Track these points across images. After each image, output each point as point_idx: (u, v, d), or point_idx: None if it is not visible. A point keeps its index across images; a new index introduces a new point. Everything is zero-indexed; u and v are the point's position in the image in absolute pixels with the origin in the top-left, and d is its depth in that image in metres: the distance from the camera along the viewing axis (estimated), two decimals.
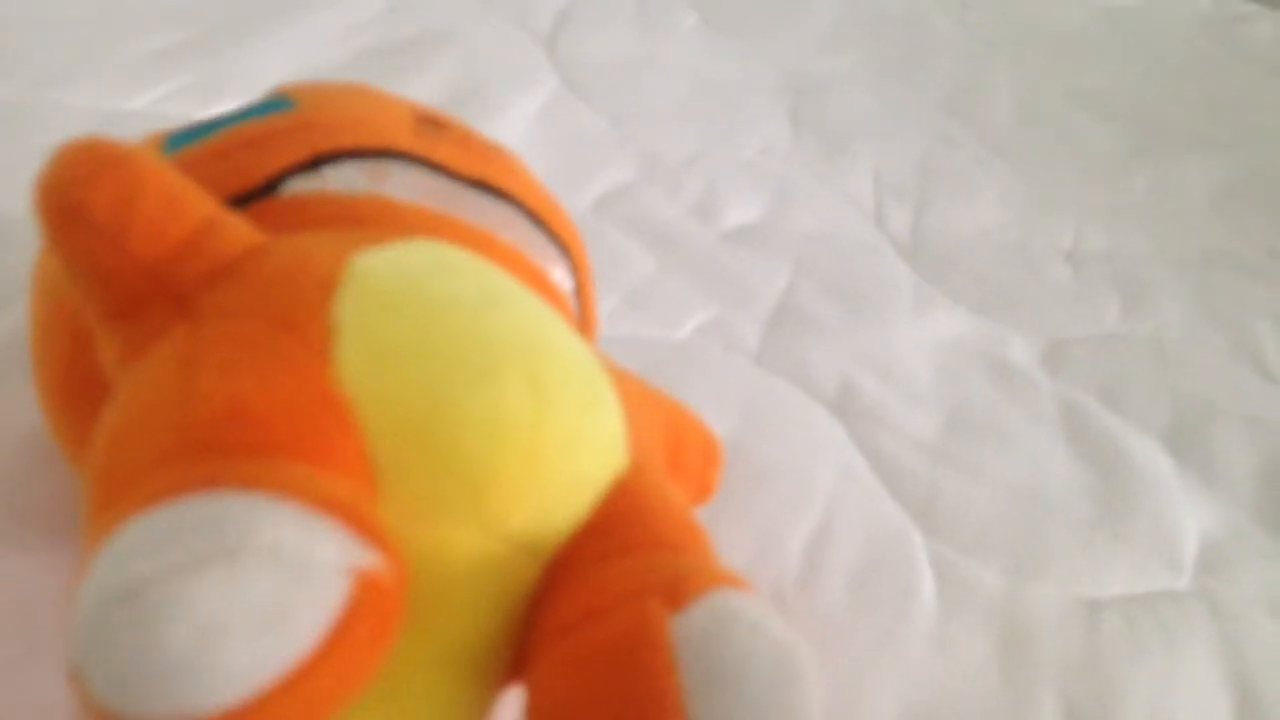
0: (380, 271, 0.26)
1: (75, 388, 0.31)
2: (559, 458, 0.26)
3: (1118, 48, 1.04)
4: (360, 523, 0.20)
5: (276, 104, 0.35)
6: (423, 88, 0.68)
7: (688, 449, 0.39)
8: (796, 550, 0.43)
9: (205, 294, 0.25)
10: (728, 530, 0.40)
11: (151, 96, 0.59)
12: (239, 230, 0.27)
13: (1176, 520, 0.51)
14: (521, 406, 0.25)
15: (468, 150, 0.36)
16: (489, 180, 0.35)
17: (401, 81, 0.68)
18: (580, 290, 0.39)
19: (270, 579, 0.18)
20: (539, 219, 0.36)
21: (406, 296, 0.26)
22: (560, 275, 0.36)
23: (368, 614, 0.19)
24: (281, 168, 0.31)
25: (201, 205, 0.26)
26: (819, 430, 0.50)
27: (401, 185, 0.32)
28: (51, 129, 0.55)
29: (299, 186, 0.31)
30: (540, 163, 0.65)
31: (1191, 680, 0.42)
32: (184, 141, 0.34)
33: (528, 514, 0.25)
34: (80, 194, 0.25)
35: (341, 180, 0.32)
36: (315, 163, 0.32)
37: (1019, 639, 0.42)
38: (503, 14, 0.80)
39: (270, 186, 0.31)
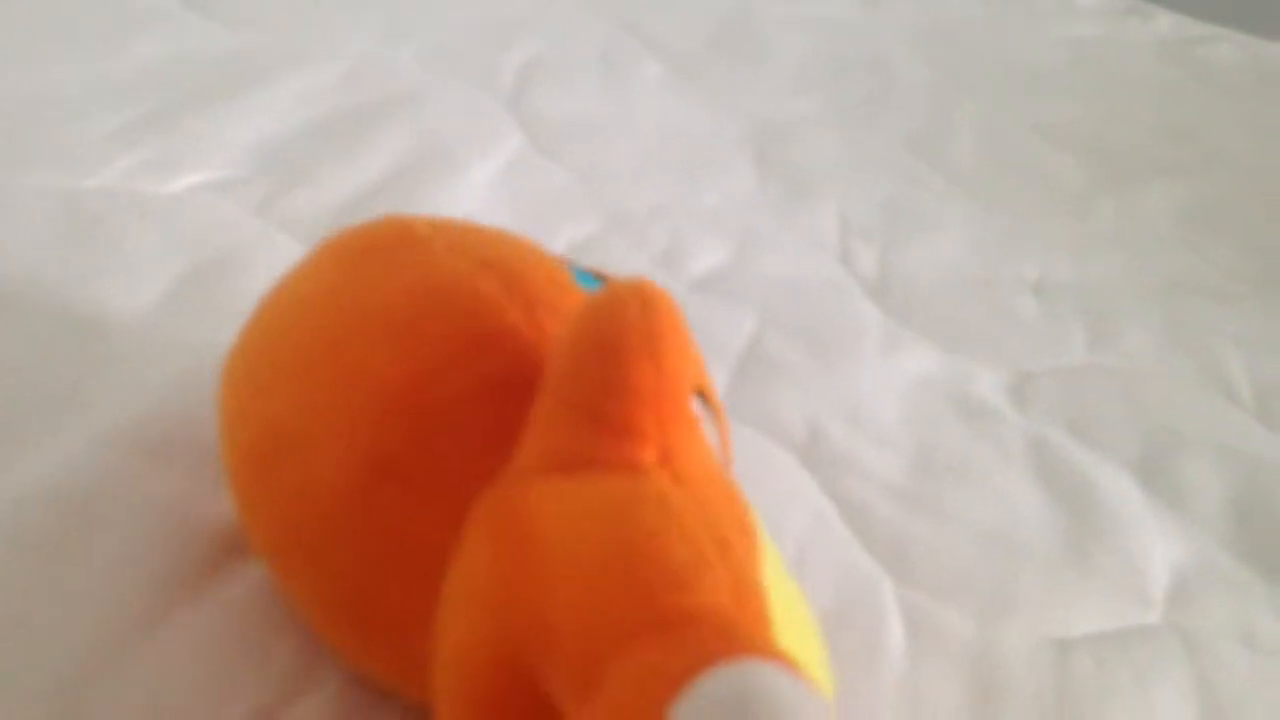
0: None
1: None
2: None
3: (1080, 78, 1.06)
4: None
5: (594, 280, 0.38)
6: (383, 152, 0.68)
7: None
8: None
9: (688, 465, 0.29)
10: None
11: (112, 173, 0.60)
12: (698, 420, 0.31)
13: (1147, 553, 0.51)
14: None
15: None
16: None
17: (363, 146, 0.69)
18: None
19: None
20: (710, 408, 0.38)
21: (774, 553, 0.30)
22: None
23: None
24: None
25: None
26: (788, 478, 0.50)
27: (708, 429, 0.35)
28: (13, 210, 0.55)
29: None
30: (506, 220, 0.66)
31: (1165, 716, 0.42)
32: (588, 282, 0.37)
33: None
34: (657, 343, 0.29)
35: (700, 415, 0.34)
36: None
37: (990, 684, 0.42)
38: (464, 76, 0.81)
39: None
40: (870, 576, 0.46)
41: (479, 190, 0.68)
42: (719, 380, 0.56)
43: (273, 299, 0.38)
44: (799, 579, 0.45)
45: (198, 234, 0.57)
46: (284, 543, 0.34)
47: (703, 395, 0.34)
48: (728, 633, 0.23)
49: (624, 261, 0.64)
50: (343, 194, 0.64)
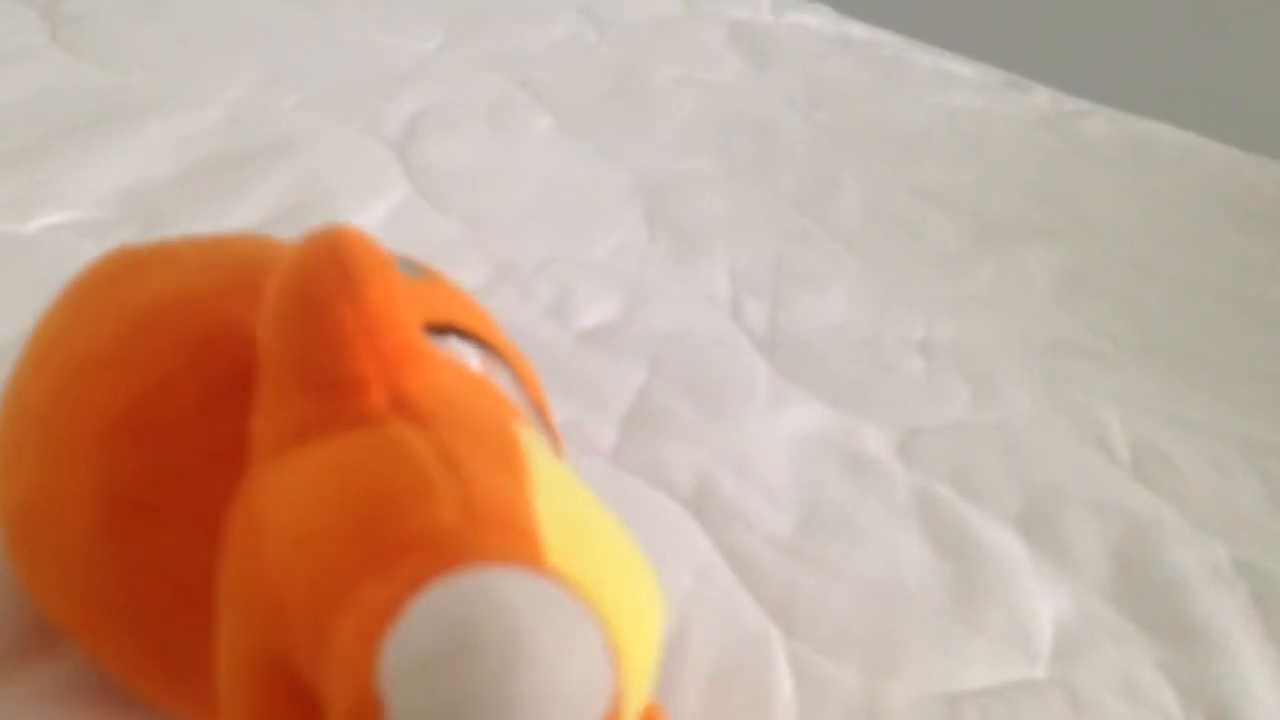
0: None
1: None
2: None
3: (959, 145, 1.08)
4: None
5: (405, 264, 0.37)
6: (261, 197, 0.66)
7: None
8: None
9: (426, 400, 0.27)
10: None
11: None
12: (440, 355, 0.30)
13: (1031, 607, 0.51)
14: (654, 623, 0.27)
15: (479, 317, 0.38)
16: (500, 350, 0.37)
17: (240, 191, 0.66)
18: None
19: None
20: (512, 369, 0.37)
21: (565, 480, 0.29)
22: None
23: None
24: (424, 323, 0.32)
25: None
26: (676, 530, 0.49)
27: (502, 380, 0.34)
28: None
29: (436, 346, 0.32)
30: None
31: None
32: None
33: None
34: (355, 284, 0.27)
35: (461, 356, 0.33)
36: (444, 331, 0.34)
37: None
38: (351, 122, 0.79)
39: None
40: (758, 629, 0.45)
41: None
42: (606, 434, 0.55)
43: (20, 357, 0.36)
44: (688, 630, 0.44)
45: (57, 275, 0.54)
46: (68, 609, 0.31)
47: (477, 340, 0.34)
48: (442, 550, 0.21)
49: (512, 311, 0.63)
50: None
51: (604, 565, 0.27)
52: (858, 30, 1.30)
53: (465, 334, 0.35)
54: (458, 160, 0.78)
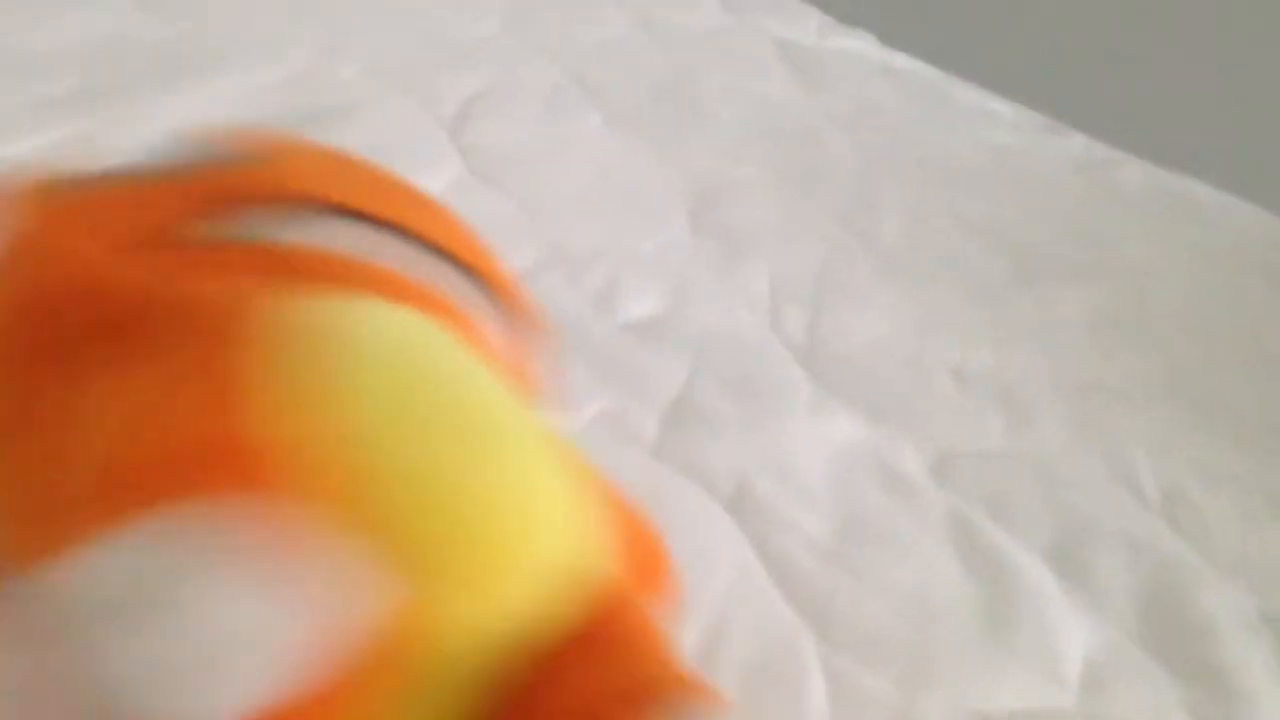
0: (294, 324, 0.25)
1: None
2: (522, 538, 0.25)
3: (999, 181, 1.09)
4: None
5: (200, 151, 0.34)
6: None
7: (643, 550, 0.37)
8: (689, 645, 0.42)
9: (98, 344, 0.25)
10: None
11: (34, 144, 0.57)
12: (132, 278, 0.26)
13: (1061, 637, 0.51)
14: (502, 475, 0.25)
15: (391, 198, 0.35)
16: (412, 228, 0.34)
17: None
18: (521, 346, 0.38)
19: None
20: (471, 271, 0.35)
21: (327, 351, 0.25)
22: (494, 329, 0.35)
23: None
24: (192, 212, 0.30)
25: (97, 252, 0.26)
26: (715, 527, 0.49)
27: (319, 235, 0.31)
28: None
29: (213, 232, 0.30)
30: None
31: None
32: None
33: (505, 588, 0.24)
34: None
35: (255, 228, 0.30)
36: (228, 209, 0.31)
37: None
38: (407, 96, 0.79)
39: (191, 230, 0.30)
40: (793, 632, 0.45)
41: None
42: (648, 426, 0.55)
43: None
44: (722, 625, 0.43)
45: None
46: None
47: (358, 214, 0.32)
48: None
49: (559, 297, 0.63)
50: None
51: (421, 459, 0.24)
52: (900, 60, 1.31)
53: (269, 199, 0.32)
54: (509, 144, 0.78)
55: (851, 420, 0.62)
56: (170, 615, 0.18)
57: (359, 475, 0.23)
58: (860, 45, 1.30)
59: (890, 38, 1.36)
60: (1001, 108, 1.28)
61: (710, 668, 0.41)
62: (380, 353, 0.25)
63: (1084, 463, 0.67)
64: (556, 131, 0.83)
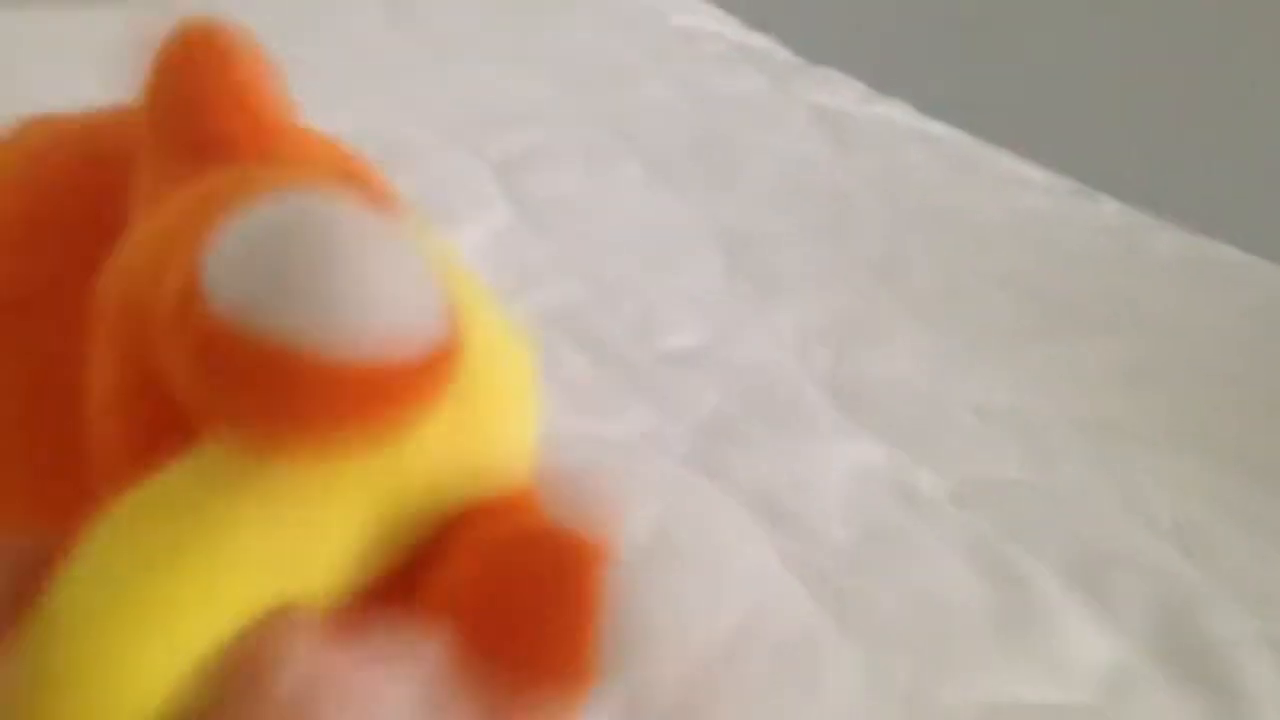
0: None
1: None
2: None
3: (1030, 240, 1.12)
4: None
5: None
6: None
7: None
8: (720, 630, 0.45)
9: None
10: (652, 611, 0.41)
11: None
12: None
13: (1076, 646, 0.53)
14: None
15: None
16: None
17: None
18: None
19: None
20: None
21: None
22: None
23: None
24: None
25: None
26: (740, 528, 0.52)
27: None
28: None
29: None
30: (489, 276, 0.68)
31: None
32: None
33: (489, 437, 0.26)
34: (226, 54, 0.28)
35: None
36: None
37: None
38: (462, 148, 0.84)
39: None
40: (814, 622, 0.48)
41: (467, 250, 0.71)
42: (681, 442, 0.59)
43: None
44: (750, 613, 0.46)
45: None
46: None
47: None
48: (245, 181, 0.22)
49: (602, 329, 0.67)
50: None
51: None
52: (935, 127, 1.35)
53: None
54: (556, 192, 0.83)
55: (874, 445, 0.65)
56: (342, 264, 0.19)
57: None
58: (896, 113, 1.34)
59: (927, 107, 1.41)
60: (1033, 173, 1.31)
61: (733, 650, 0.44)
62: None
63: (1101, 497, 0.69)
64: (599, 182, 0.88)
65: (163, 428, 0.22)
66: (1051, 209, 1.24)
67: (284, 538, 0.21)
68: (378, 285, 0.19)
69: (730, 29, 1.33)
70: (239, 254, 0.19)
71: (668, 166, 0.96)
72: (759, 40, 1.33)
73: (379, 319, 0.19)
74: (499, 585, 0.23)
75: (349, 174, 0.30)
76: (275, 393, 0.18)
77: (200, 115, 0.27)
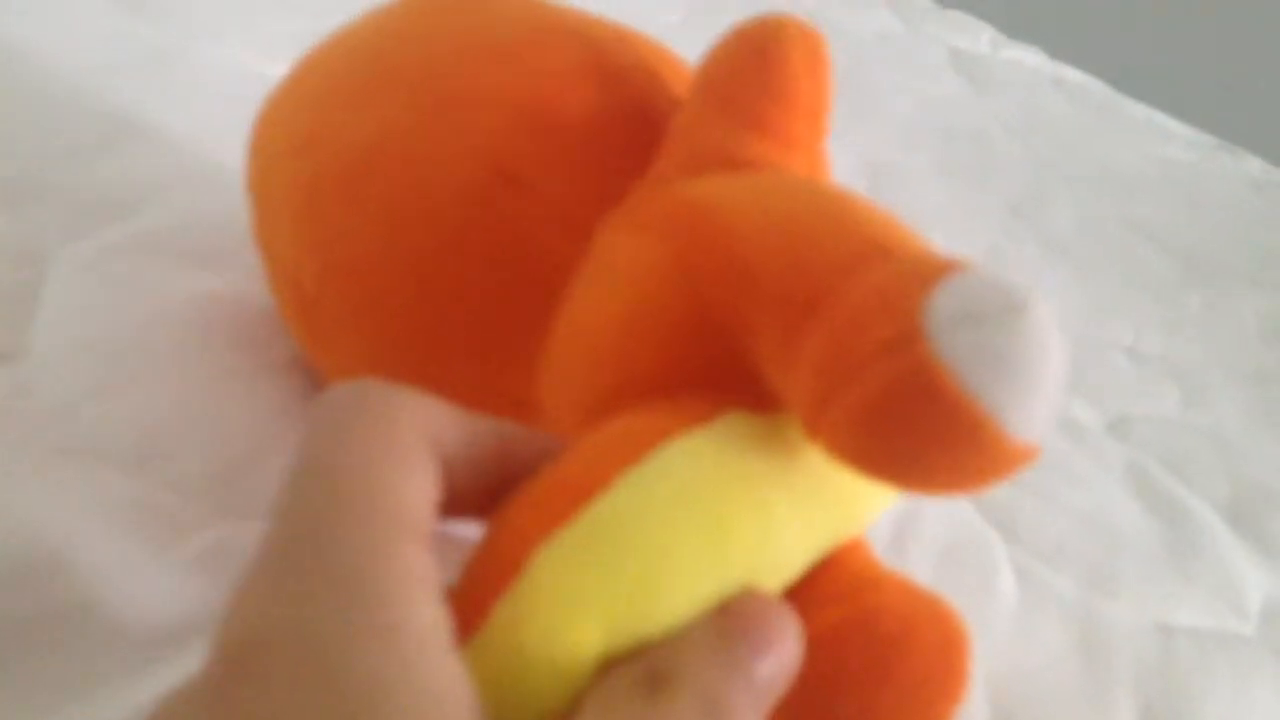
0: None
1: None
2: None
3: (1171, 191, 1.08)
4: None
5: None
6: None
7: None
8: (886, 523, 0.44)
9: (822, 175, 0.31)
10: None
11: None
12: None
13: (1238, 575, 0.51)
14: None
15: None
16: None
17: None
18: None
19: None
20: None
21: None
22: None
23: None
24: None
25: None
26: None
27: None
28: (198, 75, 0.58)
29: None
30: None
31: (1263, 709, 0.43)
32: None
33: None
34: (820, 64, 0.30)
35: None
36: None
37: (1097, 640, 0.42)
38: None
39: None
40: (982, 534, 0.46)
41: None
42: None
43: (334, 41, 0.37)
44: (916, 514, 0.45)
45: None
46: (375, 262, 0.32)
47: None
48: (948, 261, 0.23)
49: None
50: None
51: None
52: (1070, 73, 1.31)
53: None
54: None
55: None
56: None
57: None
58: (1031, 57, 1.31)
59: (1059, 54, 1.36)
60: (1174, 125, 1.27)
61: (906, 544, 0.43)
62: None
63: (1260, 438, 0.66)
64: None
65: (702, 369, 0.25)
66: (1195, 162, 1.20)
67: (802, 521, 0.23)
68: (1059, 382, 0.21)
69: None
70: (963, 313, 0.20)
71: None
72: None
73: (1052, 412, 0.21)
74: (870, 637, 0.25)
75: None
76: (956, 446, 0.20)
77: (777, 107, 0.29)
